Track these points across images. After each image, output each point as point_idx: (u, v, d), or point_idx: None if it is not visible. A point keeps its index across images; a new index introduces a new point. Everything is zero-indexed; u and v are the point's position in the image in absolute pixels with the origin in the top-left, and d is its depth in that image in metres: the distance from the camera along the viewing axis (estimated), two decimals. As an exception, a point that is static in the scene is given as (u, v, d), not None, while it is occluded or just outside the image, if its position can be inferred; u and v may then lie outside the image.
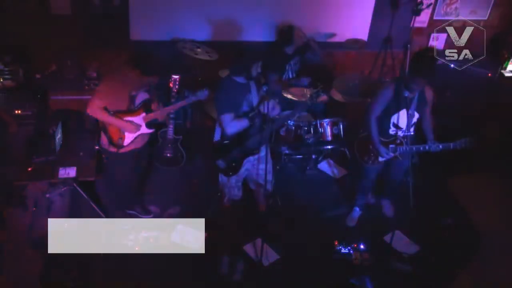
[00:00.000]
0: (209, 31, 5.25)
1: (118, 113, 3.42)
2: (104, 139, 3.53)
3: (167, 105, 3.82)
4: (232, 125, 3.46)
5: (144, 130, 3.58)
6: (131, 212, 4.08)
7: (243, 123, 3.49)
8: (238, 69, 3.44)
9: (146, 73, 3.39)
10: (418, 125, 3.75)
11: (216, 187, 4.05)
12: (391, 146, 3.72)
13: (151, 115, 3.56)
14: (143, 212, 4.10)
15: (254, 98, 3.56)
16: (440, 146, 3.60)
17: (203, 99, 3.79)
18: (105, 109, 3.36)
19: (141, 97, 3.48)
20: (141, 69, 3.35)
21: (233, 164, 3.67)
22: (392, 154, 3.75)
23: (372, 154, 3.82)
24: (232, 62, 3.51)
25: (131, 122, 3.46)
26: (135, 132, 3.51)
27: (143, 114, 3.52)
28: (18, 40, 4.76)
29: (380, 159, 3.79)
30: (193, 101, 3.82)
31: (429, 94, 3.66)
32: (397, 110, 3.62)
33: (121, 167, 3.70)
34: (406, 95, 3.52)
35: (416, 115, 3.67)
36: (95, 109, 3.34)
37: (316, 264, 3.78)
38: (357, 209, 4.23)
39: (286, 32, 4.84)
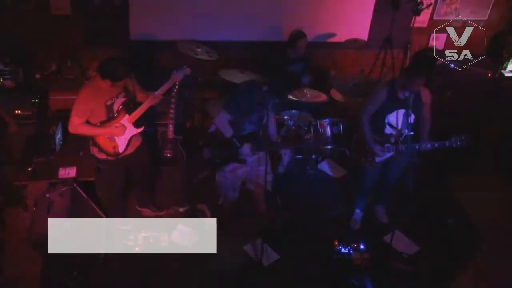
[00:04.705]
0: (209, 31, 5.25)
1: (101, 124, 3.42)
2: (95, 150, 3.54)
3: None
4: (220, 124, 3.50)
5: (134, 130, 3.59)
6: (143, 209, 4.10)
7: (225, 133, 3.54)
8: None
9: (116, 80, 3.29)
10: (414, 126, 3.74)
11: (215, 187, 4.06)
12: (386, 145, 3.72)
13: (135, 114, 3.55)
14: (156, 209, 4.12)
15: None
16: (436, 145, 3.60)
17: (187, 74, 3.77)
18: (87, 122, 3.35)
19: (118, 103, 3.46)
20: (110, 79, 3.26)
21: (217, 161, 3.67)
22: (388, 153, 3.75)
23: (369, 155, 3.82)
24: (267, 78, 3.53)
25: (115, 126, 3.46)
26: (123, 134, 3.51)
27: (127, 116, 3.52)
28: (18, 40, 4.76)
29: (377, 159, 3.79)
30: (176, 80, 3.76)
31: (425, 95, 3.66)
32: (392, 110, 3.63)
33: (121, 171, 3.73)
34: (401, 95, 3.54)
35: (412, 116, 3.66)
36: (76, 127, 3.33)
37: (316, 264, 3.78)
38: (358, 211, 4.22)
39: (292, 36, 4.87)
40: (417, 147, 3.65)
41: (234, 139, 3.57)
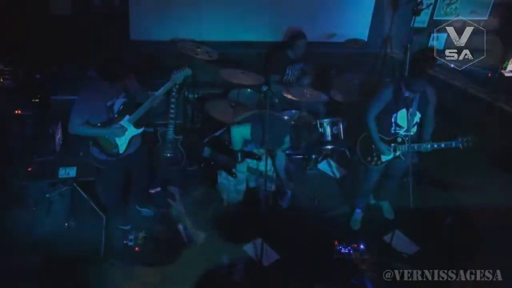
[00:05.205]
0: (209, 31, 5.25)
1: (101, 125, 3.41)
2: (95, 150, 3.53)
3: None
4: (235, 137, 3.62)
5: (134, 131, 3.58)
6: (143, 209, 4.10)
7: (234, 145, 3.79)
8: None
9: (115, 79, 3.30)
10: (421, 124, 3.75)
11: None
12: (393, 144, 3.73)
13: (136, 114, 3.54)
14: (156, 209, 4.12)
15: None
16: (442, 145, 3.61)
17: (187, 74, 3.77)
18: (87, 123, 3.34)
19: (119, 103, 3.45)
20: (110, 79, 3.27)
21: (211, 163, 3.70)
22: (394, 153, 3.75)
23: (375, 154, 3.82)
24: None
25: (115, 127, 3.46)
26: (123, 134, 3.51)
27: (127, 117, 3.52)
28: (18, 40, 4.76)
29: (383, 158, 3.80)
30: (176, 81, 3.76)
31: (431, 93, 3.66)
32: (398, 109, 3.63)
33: (121, 171, 3.73)
34: (407, 95, 3.54)
35: (418, 115, 3.67)
36: (76, 127, 3.31)
37: (316, 264, 3.78)
38: (359, 211, 4.22)
39: (291, 36, 4.89)
40: (423, 147, 3.65)
41: (238, 153, 3.64)
